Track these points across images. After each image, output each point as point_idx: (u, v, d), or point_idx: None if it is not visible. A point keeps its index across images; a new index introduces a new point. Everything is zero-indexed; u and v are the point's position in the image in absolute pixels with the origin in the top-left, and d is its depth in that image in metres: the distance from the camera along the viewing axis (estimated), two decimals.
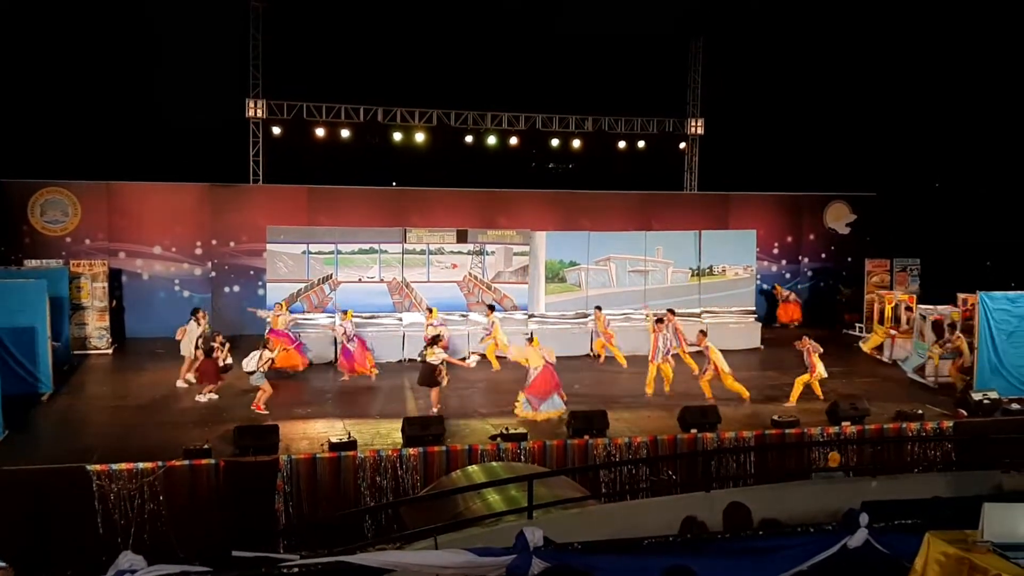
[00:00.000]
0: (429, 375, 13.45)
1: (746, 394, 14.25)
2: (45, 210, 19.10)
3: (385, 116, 21.63)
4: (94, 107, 20.34)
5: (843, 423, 12.74)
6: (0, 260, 18.24)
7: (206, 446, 10.80)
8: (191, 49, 20.04)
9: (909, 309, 17.80)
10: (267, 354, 13.48)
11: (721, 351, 14.58)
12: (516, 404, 13.34)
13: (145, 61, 20.51)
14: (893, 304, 18.41)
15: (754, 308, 20.09)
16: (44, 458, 10.78)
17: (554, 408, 13.25)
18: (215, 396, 14.07)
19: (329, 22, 20.97)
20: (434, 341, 13.75)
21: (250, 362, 13.36)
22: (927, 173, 24.33)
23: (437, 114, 21.96)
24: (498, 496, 8.07)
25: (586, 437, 11.89)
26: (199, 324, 15.14)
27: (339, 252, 18.03)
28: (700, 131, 23.89)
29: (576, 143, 23.01)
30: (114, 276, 18.86)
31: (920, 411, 13.50)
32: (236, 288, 20.12)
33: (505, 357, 15.91)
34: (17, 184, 19.01)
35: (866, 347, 18.58)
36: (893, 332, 17.93)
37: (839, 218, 24.15)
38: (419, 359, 14.14)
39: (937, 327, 15.88)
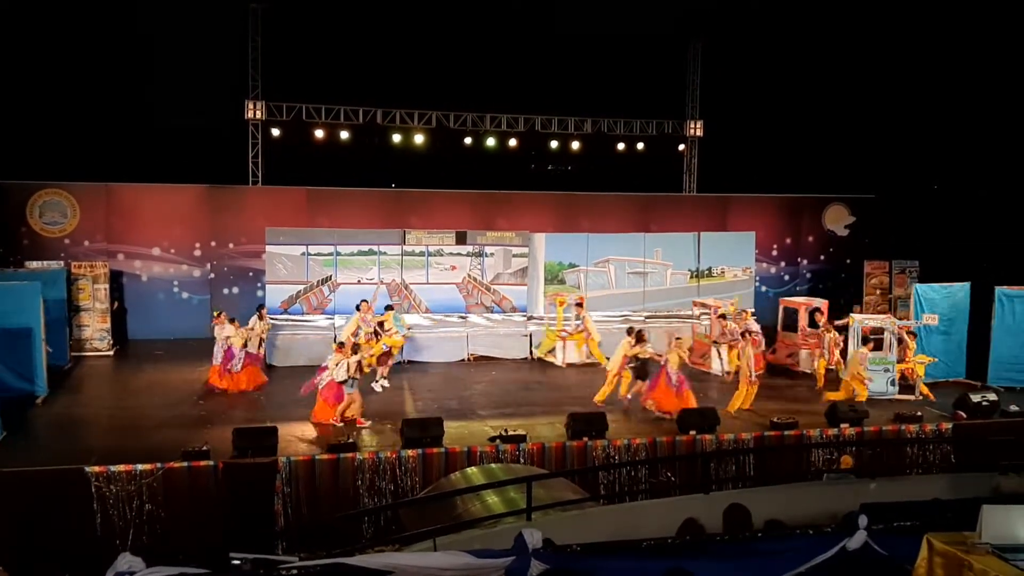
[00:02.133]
0: (643, 369, 14.03)
1: None
2: (44, 212, 19.07)
3: (384, 118, 21.63)
4: (93, 108, 20.32)
5: (842, 425, 12.74)
6: None
7: (205, 448, 10.78)
8: (190, 50, 20.06)
9: (580, 304, 17.32)
10: (354, 360, 12.66)
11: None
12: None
13: (144, 62, 20.51)
14: (565, 305, 17.78)
15: (754, 310, 20.08)
16: (42, 460, 10.76)
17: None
18: (387, 384, 14.83)
19: (328, 24, 20.97)
20: (639, 340, 14.15)
21: (339, 371, 12.63)
22: (926, 175, 24.33)
23: (436, 116, 21.96)
24: (497, 498, 8.06)
25: (585, 439, 11.89)
26: (261, 319, 15.42)
27: (338, 254, 18.04)
28: (699, 133, 23.89)
29: (575, 145, 23.00)
30: (114, 278, 18.83)
31: (919, 413, 13.53)
32: (235, 289, 20.09)
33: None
34: (16, 185, 18.98)
35: (540, 352, 17.78)
36: (564, 334, 17.30)
37: (838, 220, 24.15)
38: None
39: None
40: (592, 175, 23.97)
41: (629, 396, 14.18)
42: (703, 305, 18.24)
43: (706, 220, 22.14)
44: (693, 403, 13.32)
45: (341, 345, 13.16)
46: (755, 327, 15.74)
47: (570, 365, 17.14)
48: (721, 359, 16.30)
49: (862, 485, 8.42)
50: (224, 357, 14.65)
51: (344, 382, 12.66)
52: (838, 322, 16.22)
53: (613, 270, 19.31)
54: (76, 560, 9.40)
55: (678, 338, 14.34)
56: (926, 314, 15.73)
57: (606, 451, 11.83)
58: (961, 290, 16.20)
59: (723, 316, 16.29)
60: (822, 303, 17.32)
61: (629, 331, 14.61)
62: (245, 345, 14.77)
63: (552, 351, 17.55)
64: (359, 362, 12.82)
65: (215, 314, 15.28)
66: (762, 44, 21.92)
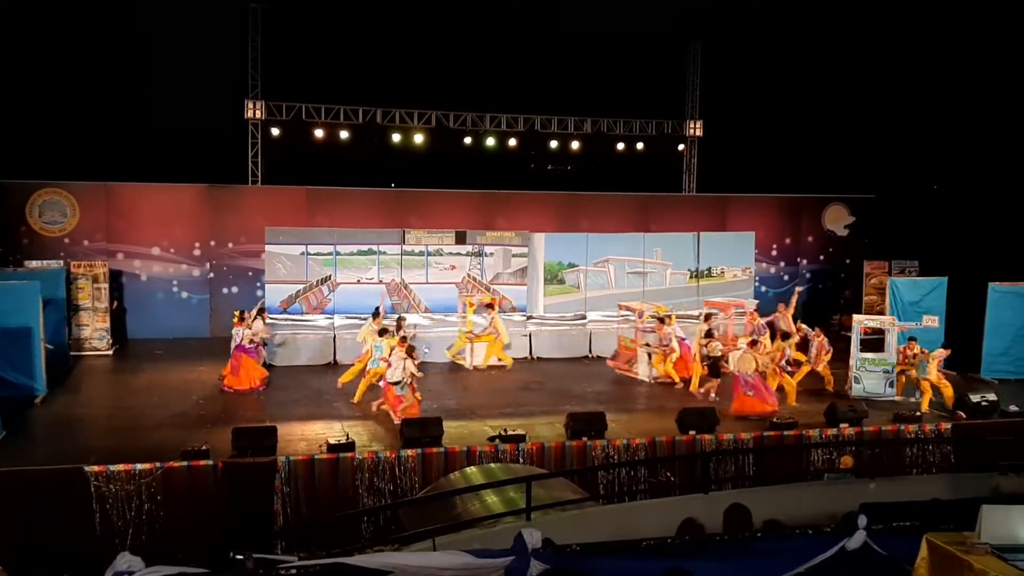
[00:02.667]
0: (715, 367, 14.08)
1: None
2: (43, 211, 19.05)
3: (384, 117, 21.62)
4: (92, 107, 20.30)
5: (841, 425, 12.74)
6: None
7: (204, 447, 10.78)
8: (190, 50, 20.05)
9: (490, 306, 17.03)
10: (410, 365, 12.69)
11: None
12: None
13: (144, 62, 20.50)
14: (474, 307, 17.35)
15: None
16: (41, 459, 10.76)
17: None
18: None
19: (328, 23, 20.96)
20: (709, 335, 14.18)
21: (395, 373, 12.68)
22: (926, 175, 24.33)
23: (436, 115, 21.96)
24: (496, 498, 8.06)
25: (584, 439, 11.88)
26: (263, 323, 15.46)
27: (338, 253, 18.02)
28: (699, 133, 23.89)
29: (575, 144, 22.99)
30: (113, 277, 18.81)
31: (918, 413, 13.53)
32: (234, 289, 20.09)
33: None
34: (15, 185, 18.97)
35: (450, 354, 17.33)
36: (471, 336, 16.95)
37: (838, 220, 24.15)
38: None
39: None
40: (592, 175, 23.97)
41: (701, 393, 14.17)
42: (628, 308, 17.72)
43: (706, 220, 22.13)
44: (772, 404, 13.38)
45: (403, 339, 13.26)
46: (680, 333, 15.40)
47: (477, 368, 16.76)
48: (650, 364, 15.78)
49: (862, 485, 8.44)
50: (239, 352, 14.63)
51: (397, 383, 12.64)
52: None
53: (613, 270, 19.30)
54: (76, 560, 9.39)
55: (753, 341, 14.07)
56: (927, 316, 15.79)
57: (605, 451, 11.82)
58: (939, 285, 16.83)
59: (662, 320, 15.65)
60: (751, 304, 17.25)
61: (706, 317, 14.79)
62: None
63: (461, 353, 17.18)
64: (413, 372, 12.77)
65: (237, 315, 15.26)
66: (762, 44, 21.91)
